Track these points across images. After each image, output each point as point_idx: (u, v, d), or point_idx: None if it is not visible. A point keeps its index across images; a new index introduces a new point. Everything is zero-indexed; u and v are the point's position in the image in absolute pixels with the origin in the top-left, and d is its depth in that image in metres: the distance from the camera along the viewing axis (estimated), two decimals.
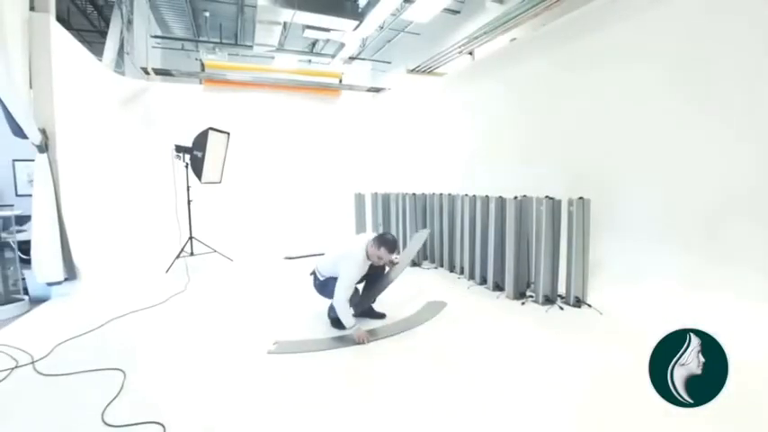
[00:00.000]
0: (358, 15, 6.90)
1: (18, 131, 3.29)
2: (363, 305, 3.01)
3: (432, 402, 1.92)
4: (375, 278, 3.03)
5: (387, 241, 2.77)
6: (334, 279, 2.74)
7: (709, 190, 2.99)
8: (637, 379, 1.82)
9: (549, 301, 3.33)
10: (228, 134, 5.43)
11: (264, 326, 2.94)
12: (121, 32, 6.86)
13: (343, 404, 1.93)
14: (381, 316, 3.07)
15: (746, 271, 2.72)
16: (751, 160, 2.76)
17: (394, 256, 2.89)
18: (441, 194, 4.70)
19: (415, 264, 4.72)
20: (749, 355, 2.14)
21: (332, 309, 2.86)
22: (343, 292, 2.64)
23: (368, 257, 2.80)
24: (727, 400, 1.43)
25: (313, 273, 3.01)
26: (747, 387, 1.88)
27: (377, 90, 8.19)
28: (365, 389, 2.08)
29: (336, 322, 2.81)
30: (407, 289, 3.68)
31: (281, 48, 9.60)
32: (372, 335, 2.70)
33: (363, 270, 2.84)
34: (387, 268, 3.07)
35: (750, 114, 2.76)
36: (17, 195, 4.59)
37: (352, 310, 2.73)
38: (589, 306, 3.18)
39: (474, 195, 4.07)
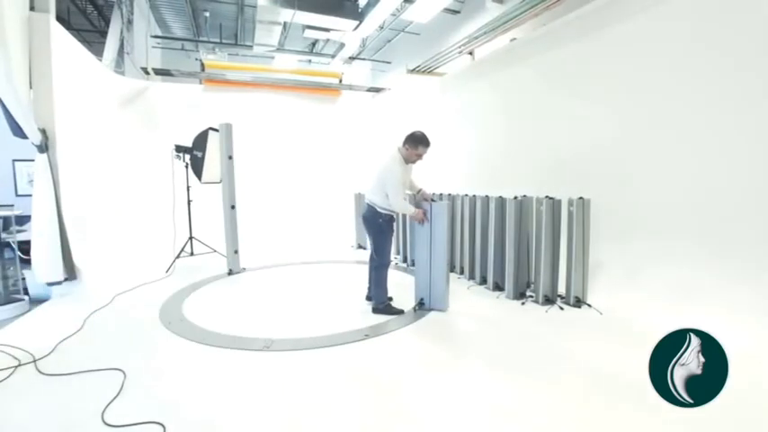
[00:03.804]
0: (358, 15, 6.90)
1: (18, 131, 3.29)
2: (380, 296, 3.17)
3: (431, 402, 1.92)
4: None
5: (420, 138, 2.99)
6: (380, 231, 3.05)
7: (709, 190, 2.99)
8: (637, 379, 1.83)
9: (549, 301, 3.33)
10: None
11: (264, 325, 2.94)
12: (121, 32, 6.86)
13: (343, 403, 1.93)
14: (399, 312, 3.15)
15: (747, 270, 2.71)
16: (753, 161, 2.76)
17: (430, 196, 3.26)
18: (441, 194, 4.70)
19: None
20: (749, 356, 2.14)
21: (377, 300, 3.18)
22: (399, 196, 2.93)
23: (405, 161, 3.05)
24: (728, 400, 1.44)
25: (367, 204, 3.13)
26: (747, 387, 1.89)
27: (377, 90, 8.18)
28: (364, 388, 2.07)
29: (380, 310, 3.15)
30: (409, 290, 3.67)
31: (281, 48, 9.60)
32: (379, 330, 2.82)
33: (406, 174, 3.08)
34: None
35: (751, 115, 2.76)
36: (17, 195, 4.60)
37: (408, 203, 3.08)
38: (589, 306, 3.18)
39: (474, 195, 4.07)
